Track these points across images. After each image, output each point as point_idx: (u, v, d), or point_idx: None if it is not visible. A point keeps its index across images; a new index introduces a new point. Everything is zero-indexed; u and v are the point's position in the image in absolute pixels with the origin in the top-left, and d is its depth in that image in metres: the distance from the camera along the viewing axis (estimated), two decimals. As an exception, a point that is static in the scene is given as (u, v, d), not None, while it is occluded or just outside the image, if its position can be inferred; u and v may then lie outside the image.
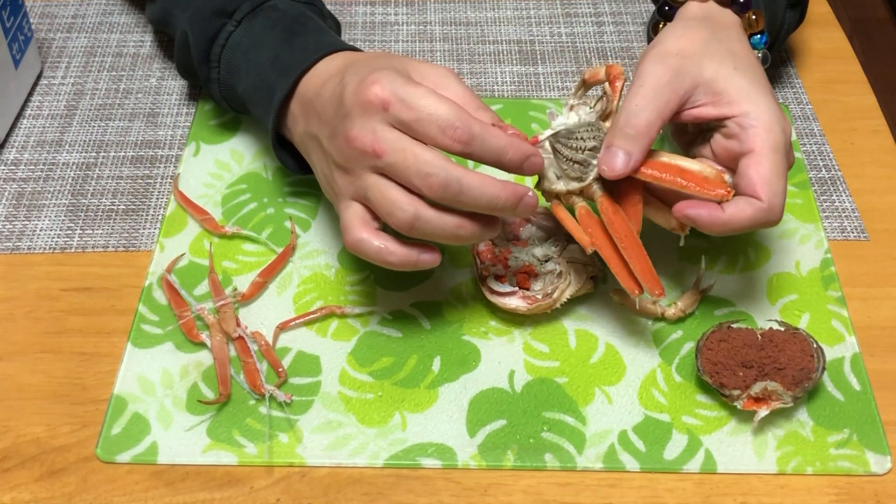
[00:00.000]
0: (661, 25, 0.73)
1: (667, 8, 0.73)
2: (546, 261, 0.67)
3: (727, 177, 0.63)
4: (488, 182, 0.58)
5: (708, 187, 0.61)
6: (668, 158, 0.63)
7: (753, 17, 0.70)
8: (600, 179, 0.63)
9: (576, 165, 0.63)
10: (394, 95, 0.58)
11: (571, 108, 0.65)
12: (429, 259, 0.61)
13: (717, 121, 0.63)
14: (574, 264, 0.67)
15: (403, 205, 0.58)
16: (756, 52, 0.69)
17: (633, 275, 0.61)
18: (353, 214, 0.60)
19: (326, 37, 0.70)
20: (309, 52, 0.67)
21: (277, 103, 0.67)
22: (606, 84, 0.65)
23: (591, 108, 0.65)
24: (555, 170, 0.63)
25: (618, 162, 0.61)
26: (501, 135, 0.58)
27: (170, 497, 0.59)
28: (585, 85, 0.67)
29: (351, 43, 0.90)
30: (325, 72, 0.65)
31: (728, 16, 0.69)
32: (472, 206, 0.58)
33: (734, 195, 0.61)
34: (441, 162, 0.57)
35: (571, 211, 0.64)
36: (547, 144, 0.63)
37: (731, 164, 0.63)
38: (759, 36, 0.70)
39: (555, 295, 0.65)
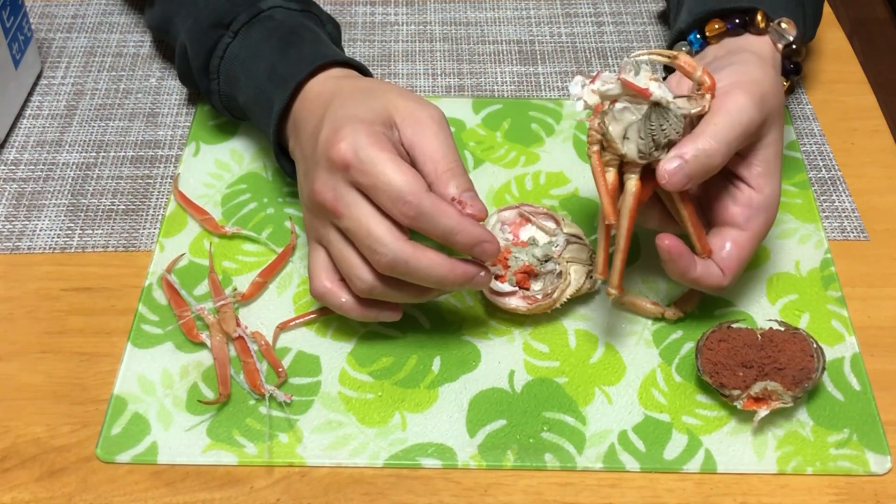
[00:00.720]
0: (715, 26, 0.70)
1: (738, 20, 0.70)
2: (546, 261, 0.67)
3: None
4: (437, 262, 0.58)
5: (703, 239, 0.63)
6: (693, 213, 0.62)
7: (786, 85, 0.71)
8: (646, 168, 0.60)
9: (651, 141, 0.59)
10: (355, 157, 0.58)
11: (665, 79, 0.62)
12: (388, 315, 0.64)
13: (736, 178, 0.63)
14: (574, 264, 0.67)
15: (361, 273, 0.60)
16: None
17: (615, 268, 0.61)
18: (319, 263, 0.63)
19: (322, 47, 0.70)
20: (304, 64, 0.67)
21: (276, 115, 0.67)
22: (705, 80, 0.61)
23: (686, 101, 0.61)
24: (631, 131, 0.59)
25: (677, 178, 0.59)
26: (453, 215, 0.57)
27: (170, 497, 0.59)
28: (673, 68, 0.63)
29: (351, 43, 0.90)
30: (316, 91, 0.66)
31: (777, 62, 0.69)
32: (422, 283, 0.60)
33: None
34: (391, 239, 0.58)
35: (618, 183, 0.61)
36: (656, 92, 0.58)
37: (717, 221, 0.64)
38: None
39: (555, 295, 0.65)
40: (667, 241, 0.61)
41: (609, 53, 0.89)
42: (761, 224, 0.63)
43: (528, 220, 0.70)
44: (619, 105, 0.59)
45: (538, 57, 0.89)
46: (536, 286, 0.66)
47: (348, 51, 0.89)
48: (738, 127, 0.60)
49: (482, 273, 0.60)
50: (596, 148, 0.59)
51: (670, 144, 0.60)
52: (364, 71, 0.70)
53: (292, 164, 0.69)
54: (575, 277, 0.66)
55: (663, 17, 0.93)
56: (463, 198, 0.59)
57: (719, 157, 0.59)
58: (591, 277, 0.67)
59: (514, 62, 0.88)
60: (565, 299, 0.66)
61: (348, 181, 0.59)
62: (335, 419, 0.62)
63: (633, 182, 0.60)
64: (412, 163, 0.60)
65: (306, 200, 0.63)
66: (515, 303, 0.66)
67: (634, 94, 0.59)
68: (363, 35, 0.91)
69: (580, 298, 0.68)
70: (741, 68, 0.63)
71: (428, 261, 0.58)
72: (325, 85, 0.66)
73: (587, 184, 0.77)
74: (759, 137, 0.63)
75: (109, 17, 0.93)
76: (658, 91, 0.58)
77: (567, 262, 0.67)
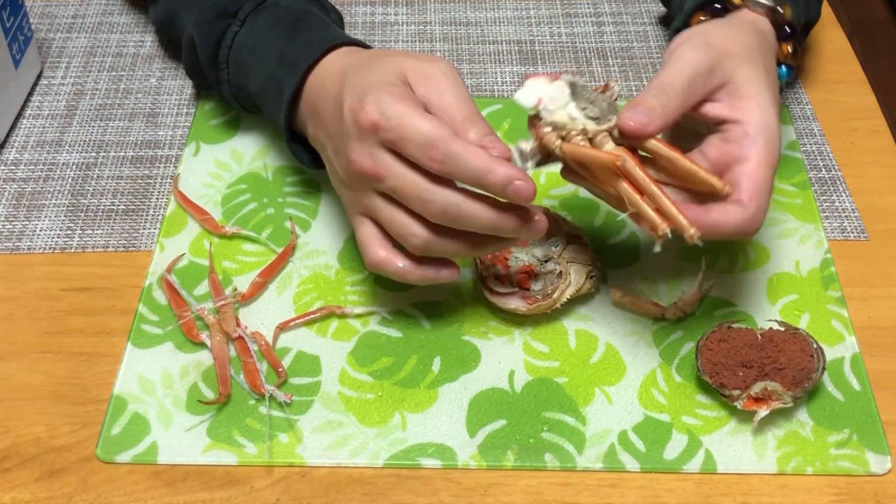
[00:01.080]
0: (700, 18, 0.72)
1: (718, 6, 0.71)
2: (546, 261, 0.67)
3: (729, 188, 0.59)
4: (488, 208, 0.58)
5: (712, 174, 0.59)
6: (679, 155, 0.59)
7: (790, 49, 0.70)
8: (612, 138, 0.60)
9: (594, 108, 0.60)
10: (382, 117, 0.58)
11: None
12: (447, 274, 0.62)
13: (723, 122, 0.63)
14: (574, 264, 0.67)
15: (414, 230, 0.59)
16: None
17: (656, 212, 0.57)
18: (369, 234, 0.62)
19: (330, 31, 0.70)
20: (313, 47, 0.67)
21: (287, 99, 0.67)
22: (612, 83, 0.63)
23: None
24: (569, 110, 0.60)
25: (642, 118, 0.59)
26: (482, 155, 0.57)
27: (170, 497, 0.59)
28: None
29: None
30: (327, 71, 0.66)
31: (773, 36, 0.69)
32: (476, 229, 0.59)
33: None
34: (437, 187, 0.58)
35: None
36: (566, 86, 0.60)
37: (722, 168, 0.62)
38: (785, 68, 0.71)
39: (555, 295, 0.65)
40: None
41: (609, 53, 0.89)
42: (761, 147, 0.60)
43: None
44: (545, 101, 0.60)
45: (538, 57, 0.89)
46: (536, 286, 0.66)
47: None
48: (685, 68, 0.61)
49: (536, 217, 0.59)
50: (558, 142, 0.59)
51: (614, 106, 0.60)
52: (368, 48, 0.70)
53: (305, 150, 0.69)
54: (575, 277, 0.66)
55: (664, 18, 0.93)
56: (484, 142, 0.58)
57: (674, 93, 0.60)
58: (591, 277, 0.67)
59: (514, 62, 0.88)
60: (565, 299, 0.66)
61: (381, 143, 0.59)
62: (335, 419, 0.62)
63: (609, 143, 0.59)
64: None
65: (343, 175, 0.62)
66: (515, 303, 0.66)
67: (556, 77, 0.60)
68: (363, 35, 0.91)
69: (580, 298, 0.68)
70: (706, 28, 0.66)
71: (479, 206, 0.58)
72: (336, 64, 0.66)
73: (587, 184, 0.77)
74: (723, 77, 0.62)
75: (109, 17, 0.93)
76: (564, 76, 0.60)
77: (567, 262, 0.67)
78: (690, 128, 0.66)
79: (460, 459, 0.60)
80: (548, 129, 0.60)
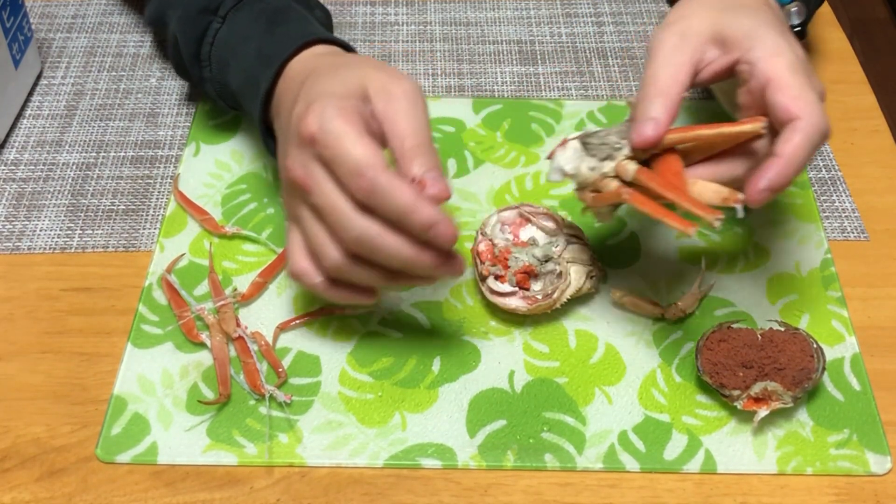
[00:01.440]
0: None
1: None
2: (546, 261, 0.67)
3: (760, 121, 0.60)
4: (405, 243, 0.56)
5: (738, 123, 0.60)
6: (694, 126, 0.62)
7: (794, 8, 0.69)
8: (636, 159, 0.61)
9: (605, 147, 0.62)
10: (320, 130, 0.56)
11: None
12: (362, 298, 0.61)
13: (731, 69, 0.62)
14: (574, 264, 0.67)
15: (330, 251, 0.58)
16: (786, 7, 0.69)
17: (677, 216, 0.58)
18: (295, 243, 0.60)
19: (308, 26, 0.69)
20: (290, 42, 0.66)
21: (262, 95, 0.66)
22: (633, 100, 0.64)
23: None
24: (587, 164, 0.62)
25: (646, 129, 0.59)
26: (409, 194, 0.54)
27: (170, 497, 0.59)
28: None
29: (351, 42, 0.90)
30: (297, 69, 0.65)
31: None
32: (389, 264, 0.57)
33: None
34: (357, 215, 0.56)
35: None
36: (577, 143, 0.63)
37: (760, 108, 0.60)
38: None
39: (555, 295, 0.65)
40: (753, 195, 0.58)
41: (609, 53, 0.89)
42: (771, 62, 0.59)
43: (528, 221, 0.70)
44: (567, 170, 0.62)
45: (538, 57, 0.89)
46: (536, 286, 0.66)
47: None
48: (654, 56, 0.62)
49: (454, 260, 0.58)
50: (591, 195, 0.62)
51: (623, 134, 0.62)
52: (349, 49, 0.69)
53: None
54: (575, 277, 0.66)
55: (662, 17, 0.93)
56: (425, 177, 0.56)
57: (663, 87, 0.60)
58: (591, 278, 0.67)
59: (514, 62, 0.88)
60: (565, 299, 0.66)
61: (316, 156, 0.57)
62: (335, 419, 0.62)
63: (632, 168, 0.61)
64: (383, 137, 0.59)
65: (282, 178, 0.61)
66: (515, 303, 0.66)
67: (564, 142, 0.63)
68: (363, 35, 0.91)
69: (580, 298, 0.68)
70: (667, 15, 0.65)
71: (395, 241, 0.56)
72: (307, 63, 0.65)
73: (587, 184, 0.77)
74: (706, 36, 0.62)
75: (109, 17, 0.93)
76: (575, 133, 0.63)
77: (567, 262, 0.67)
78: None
79: (460, 459, 0.60)
80: (581, 192, 0.63)
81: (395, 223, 0.56)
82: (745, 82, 0.61)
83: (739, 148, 0.61)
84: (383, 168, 0.55)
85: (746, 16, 0.62)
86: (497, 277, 0.67)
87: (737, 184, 0.60)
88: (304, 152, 0.58)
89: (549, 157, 0.64)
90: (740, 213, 0.58)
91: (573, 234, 0.68)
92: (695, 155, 0.62)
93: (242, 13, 0.72)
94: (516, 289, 0.66)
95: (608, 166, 0.61)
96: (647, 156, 0.61)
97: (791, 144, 0.57)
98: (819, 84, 0.61)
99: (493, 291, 0.66)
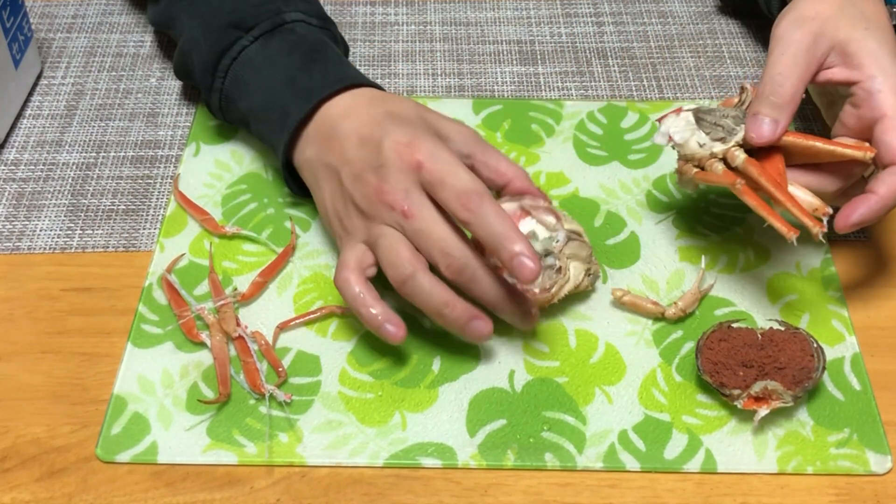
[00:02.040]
0: None
1: None
2: (546, 255, 0.66)
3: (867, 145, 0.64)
4: (497, 284, 0.61)
5: (851, 148, 0.63)
6: (808, 135, 0.64)
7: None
8: (743, 147, 0.64)
9: (719, 129, 0.65)
10: (430, 158, 0.61)
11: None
12: (392, 332, 0.61)
13: (846, 85, 0.64)
14: (574, 261, 0.67)
15: (406, 262, 0.61)
16: (893, 8, 0.70)
17: (782, 219, 0.61)
18: (354, 255, 0.63)
19: (347, 69, 0.71)
20: (329, 81, 0.68)
21: (293, 125, 0.68)
22: (748, 85, 0.68)
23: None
24: (697, 138, 0.65)
25: (765, 128, 0.63)
26: (508, 222, 0.59)
27: (170, 497, 0.59)
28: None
29: (351, 43, 0.90)
30: (349, 105, 0.67)
31: None
32: (478, 298, 0.62)
33: (874, 171, 0.63)
34: (462, 247, 0.60)
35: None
36: (690, 116, 0.66)
37: (866, 135, 0.64)
38: None
39: (553, 290, 0.65)
40: (843, 226, 0.62)
41: (609, 53, 0.89)
42: (890, 99, 0.62)
43: (529, 214, 0.69)
44: (675, 138, 0.66)
45: (538, 57, 0.89)
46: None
47: (350, 62, 0.89)
48: (787, 50, 0.64)
49: (533, 312, 0.64)
50: (693, 171, 0.65)
51: (739, 118, 0.65)
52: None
53: (292, 176, 0.71)
54: (574, 274, 0.66)
55: (663, 17, 0.93)
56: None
57: (785, 84, 0.63)
58: (589, 276, 0.67)
59: (514, 62, 0.88)
60: (563, 295, 0.66)
61: (419, 181, 0.61)
62: (335, 419, 0.62)
63: (741, 156, 0.64)
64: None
65: (362, 200, 0.63)
66: None
67: (679, 111, 0.67)
68: (363, 35, 0.91)
69: (580, 298, 0.68)
70: (795, 3, 0.66)
71: (492, 280, 0.61)
72: (359, 97, 0.68)
73: (587, 184, 0.77)
74: (828, 44, 0.64)
75: (109, 17, 0.93)
76: (690, 105, 0.68)
77: (567, 258, 0.67)
78: (836, 96, 0.68)
79: (460, 459, 0.60)
80: (683, 162, 0.66)
81: (487, 247, 0.60)
82: (857, 106, 0.64)
83: (839, 165, 0.65)
84: (489, 196, 0.60)
85: (874, 35, 0.64)
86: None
87: (824, 197, 0.64)
88: (405, 177, 0.61)
89: (659, 120, 0.67)
90: (819, 237, 0.61)
91: (573, 231, 0.68)
92: (795, 158, 0.65)
93: (276, 39, 0.72)
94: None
95: (718, 147, 0.64)
96: (754, 148, 0.64)
97: (889, 188, 0.61)
98: None
99: None
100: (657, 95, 0.85)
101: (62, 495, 0.59)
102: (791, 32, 0.64)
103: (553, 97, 0.85)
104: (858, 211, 0.61)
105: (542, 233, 0.68)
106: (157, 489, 0.59)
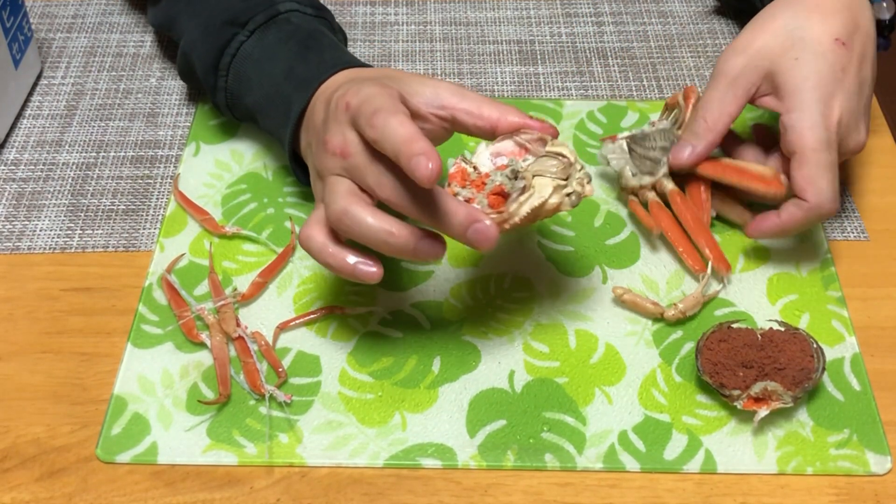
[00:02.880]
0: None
1: None
2: (514, 178, 0.60)
3: (783, 177, 0.69)
4: (445, 205, 0.56)
5: (763, 183, 0.69)
6: (729, 161, 0.71)
7: (885, 4, 0.72)
8: (672, 176, 0.72)
9: (648, 162, 0.72)
10: (355, 96, 0.59)
11: (653, 124, 0.74)
12: (367, 271, 0.58)
13: (778, 111, 0.68)
14: (541, 177, 0.60)
15: (339, 197, 0.58)
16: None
17: (698, 255, 0.69)
18: (315, 214, 0.60)
19: (342, 54, 0.71)
20: (325, 67, 0.68)
21: (295, 116, 0.67)
22: (681, 97, 0.74)
23: (667, 118, 0.75)
24: (630, 167, 0.73)
25: (683, 155, 0.70)
26: (405, 131, 0.55)
27: (170, 497, 0.59)
28: (667, 108, 0.76)
29: (351, 43, 0.90)
30: (328, 86, 0.66)
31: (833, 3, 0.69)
32: (426, 223, 0.57)
33: (789, 195, 0.67)
34: (395, 173, 0.57)
35: (645, 204, 0.72)
36: (624, 144, 0.73)
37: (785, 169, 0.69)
38: (881, 39, 0.73)
39: (511, 208, 0.58)
40: (753, 233, 0.70)
41: (609, 53, 0.89)
42: (802, 136, 0.65)
43: (527, 150, 0.62)
44: (611, 160, 0.74)
45: (538, 57, 0.89)
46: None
47: (348, 50, 0.89)
48: (717, 83, 0.70)
49: (487, 222, 0.56)
50: (630, 197, 0.73)
51: (667, 149, 0.72)
52: None
53: (301, 169, 0.70)
54: (539, 189, 0.59)
55: (663, 17, 0.93)
56: (507, 119, 0.61)
57: (708, 113, 0.69)
58: (569, 196, 0.60)
59: (514, 62, 0.88)
60: (525, 212, 0.58)
61: (350, 122, 0.59)
62: (335, 419, 0.62)
63: (669, 186, 0.72)
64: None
65: (317, 163, 0.62)
66: None
67: (614, 139, 0.75)
68: (363, 35, 0.91)
69: (580, 299, 0.68)
70: (744, 28, 0.71)
71: (434, 197, 0.56)
72: (337, 79, 0.66)
73: (587, 184, 0.77)
74: (760, 74, 0.68)
75: (109, 17, 0.93)
76: (624, 133, 0.74)
77: (533, 175, 0.60)
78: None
79: (460, 459, 0.60)
80: (620, 187, 0.74)
81: (392, 159, 0.56)
82: (782, 135, 0.68)
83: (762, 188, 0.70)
84: (397, 110, 0.57)
85: (803, 66, 0.67)
86: (467, 201, 0.60)
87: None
88: (339, 123, 0.60)
89: (602, 139, 0.76)
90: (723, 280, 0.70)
91: (556, 152, 0.61)
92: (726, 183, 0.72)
93: (272, 31, 0.72)
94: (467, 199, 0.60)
95: (647, 180, 0.72)
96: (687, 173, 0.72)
97: (790, 216, 0.67)
98: (856, 141, 0.68)
99: None
100: (657, 95, 0.85)
101: (62, 495, 0.59)
102: (723, 63, 0.69)
103: (553, 97, 0.85)
104: (760, 228, 0.69)
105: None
106: (157, 489, 0.59)
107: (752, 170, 0.69)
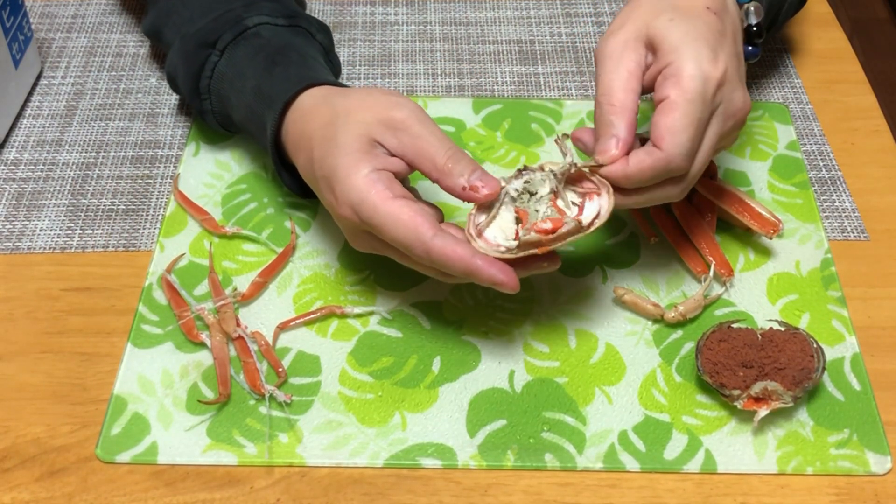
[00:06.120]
0: None
1: None
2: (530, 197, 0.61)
3: (782, 225, 0.69)
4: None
5: (760, 222, 0.69)
6: (734, 190, 0.71)
7: (752, 8, 0.69)
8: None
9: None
10: (357, 217, 0.60)
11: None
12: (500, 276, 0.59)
13: (658, 79, 0.62)
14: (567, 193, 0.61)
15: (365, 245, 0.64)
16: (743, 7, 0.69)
17: (699, 258, 0.69)
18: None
19: (306, 70, 0.69)
20: (290, 84, 0.67)
21: (271, 136, 0.67)
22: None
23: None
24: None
25: (609, 146, 0.60)
26: (462, 261, 0.58)
27: (170, 497, 0.59)
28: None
29: (351, 43, 0.90)
30: (300, 112, 0.66)
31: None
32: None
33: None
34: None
35: (645, 210, 0.72)
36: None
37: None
38: (750, 48, 0.69)
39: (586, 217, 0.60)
40: (576, 138, 0.64)
41: (609, 53, 0.89)
42: (678, 84, 0.60)
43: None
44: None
45: (538, 57, 0.89)
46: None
47: (348, 50, 0.89)
48: (603, 69, 0.62)
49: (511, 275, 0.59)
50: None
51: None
52: (342, 86, 0.69)
53: (293, 177, 0.70)
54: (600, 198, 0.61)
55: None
56: (473, 182, 0.59)
57: (612, 95, 0.61)
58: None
59: (514, 62, 0.88)
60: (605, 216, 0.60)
61: (367, 232, 0.61)
62: (335, 419, 0.62)
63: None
64: (411, 165, 0.61)
65: (325, 204, 0.64)
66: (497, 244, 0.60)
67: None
68: (363, 35, 0.91)
69: (580, 299, 0.68)
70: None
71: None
72: (305, 112, 0.66)
73: (587, 184, 0.77)
74: (647, 40, 0.62)
75: (109, 17, 0.93)
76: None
77: (562, 192, 0.61)
78: None
79: (460, 459, 0.60)
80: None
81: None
82: (657, 88, 0.62)
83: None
84: (431, 237, 0.58)
85: (681, 24, 0.61)
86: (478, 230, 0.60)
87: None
88: (354, 230, 0.62)
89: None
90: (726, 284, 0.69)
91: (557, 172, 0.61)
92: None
93: (241, 48, 0.72)
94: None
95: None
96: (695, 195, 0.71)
97: (637, 163, 0.60)
98: (737, 103, 0.62)
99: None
100: (657, 95, 0.84)
101: (62, 495, 0.59)
102: (603, 48, 0.63)
103: (553, 97, 0.85)
104: (608, 169, 0.60)
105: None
106: (157, 489, 0.59)
107: (753, 205, 0.70)
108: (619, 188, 0.61)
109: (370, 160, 0.60)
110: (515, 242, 0.59)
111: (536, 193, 0.61)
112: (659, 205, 0.68)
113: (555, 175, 0.61)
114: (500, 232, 0.60)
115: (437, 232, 0.58)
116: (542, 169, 0.61)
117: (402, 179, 0.62)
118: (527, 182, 0.61)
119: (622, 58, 0.62)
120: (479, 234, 0.60)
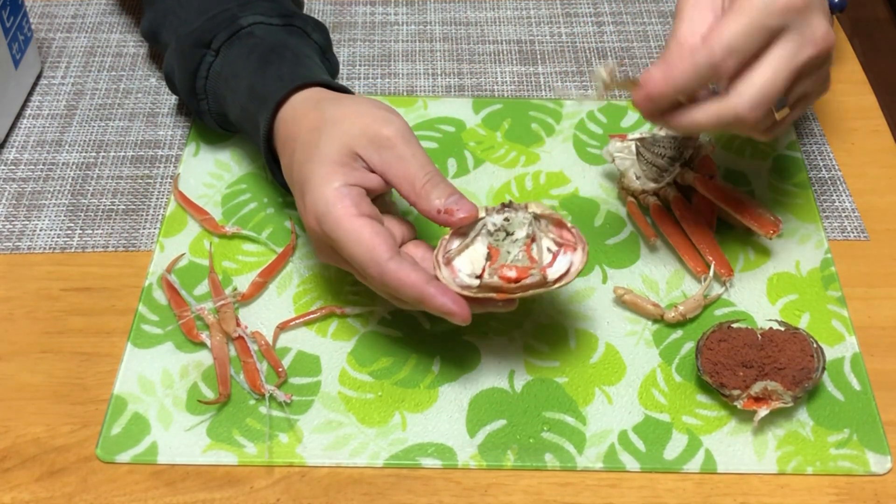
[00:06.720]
0: None
1: None
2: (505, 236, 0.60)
3: (781, 225, 0.69)
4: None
5: (759, 222, 0.69)
6: (734, 190, 0.71)
7: None
8: (675, 185, 0.72)
9: (654, 168, 0.72)
10: (320, 229, 0.59)
11: (662, 127, 0.71)
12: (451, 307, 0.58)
13: None
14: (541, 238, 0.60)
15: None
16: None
17: (699, 258, 0.69)
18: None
19: (298, 68, 0.69)
20: (283, 83, 0.67)
21: (263, 135, 0.67)
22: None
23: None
24: (635, 170, 0.73)
25: (656, 74, 0.58)
26: (416, 288, 0.57)
27: (170, 497, 0.59)
28: None
29: (351, 43, 0.90)
30: (289, 117, 0.65)
31: None
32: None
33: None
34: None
35: (646, 209, 0.73)
36: (633, 146, 0.73)
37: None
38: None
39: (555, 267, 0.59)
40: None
41: (609, 53, 0.89)
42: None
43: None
44: (616, 158, 0.74)
45: (538, 57, 0.89)
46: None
47: (348, 50, 0.89)
48: (683, 14, 0.60)
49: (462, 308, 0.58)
50: (629, 198, 0.73)
51: (676, 158, 0.71)
52: (336, 87, 0.68)
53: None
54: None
55: (663, 17, 0.93)
56: (449, 205, 0.59)
57: (675, 45, 0.59)
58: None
59: (514, 62, 0.88)
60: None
61: (330, 245, 0.60)
62: (335, 419, 0.62)
63: (672, 197, 0.72)
64: (389, 184, 0.61)
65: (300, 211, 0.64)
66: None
67: (624, 138, 0.75)
68: (363, 35, 0.91)
69: (580, 298, 0.68)
70: None
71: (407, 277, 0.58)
72: (295, 114, 0.65)
73: (587, 184, 0.77)
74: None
75: (109, 17, 0.93)
76: (635, 133, 0.73)
77: (535, 237, 0.61)
78: None
79: (460, 459, 0.60)
80: (620, 187, 0.74)
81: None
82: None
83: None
84: (386, 261, 0.57)
85: None
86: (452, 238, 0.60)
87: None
88: (317, 240, 0.62)
89: (610, 136, 0.76)
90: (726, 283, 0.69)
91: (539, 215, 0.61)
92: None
93: (235, 48, 0.72)
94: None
95: (650, 186, 0.72)
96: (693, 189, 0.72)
97: (680, 59, 0.57)
98: (818, 31, 0.59)
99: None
100: (657, 95, 0.84)
101: (62, 495, 0.59)
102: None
103: (553, 97, 0.85)
104: (652, 72, 0.58)
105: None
106: (157, 489, 0.59)
107: (751, 206, 0.69)
108: (673, 111, 0.59)
109: (345, 173, 0.60)
110: (477, 282, 0.58)
111: (513, 234, 0.60)
112: (659, 204, 0.69)
113: (537, 218, 0.60)
114: (470, 263, 0.60)
115: (394, 255, 0.58)
116: (525, 208, 0.60)
117: (377, 197, 0.62)
118: (506, 220, 0.60)
119: (698, 3, 0.60)
120: (448, 262, 0.60)
